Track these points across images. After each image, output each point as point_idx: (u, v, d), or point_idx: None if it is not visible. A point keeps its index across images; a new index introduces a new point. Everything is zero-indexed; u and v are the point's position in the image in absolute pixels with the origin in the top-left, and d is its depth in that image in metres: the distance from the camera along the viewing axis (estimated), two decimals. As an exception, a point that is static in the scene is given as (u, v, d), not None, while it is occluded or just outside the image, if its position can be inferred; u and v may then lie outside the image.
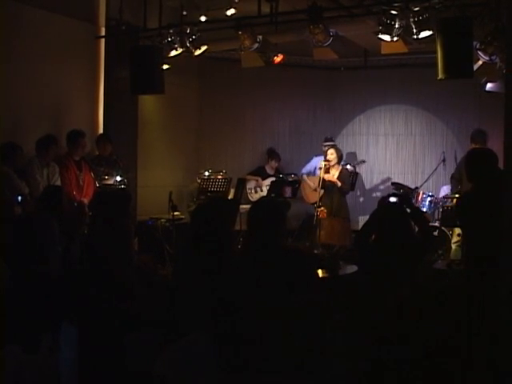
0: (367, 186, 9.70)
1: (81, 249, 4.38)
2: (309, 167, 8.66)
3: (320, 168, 7.49)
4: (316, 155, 8.71)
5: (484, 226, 3.98)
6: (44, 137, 6.42)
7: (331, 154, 7.52)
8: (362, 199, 9.66)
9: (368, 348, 3.19)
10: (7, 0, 6.29)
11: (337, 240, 7.19)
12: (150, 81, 7.10)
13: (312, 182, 8.36)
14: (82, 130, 6.80)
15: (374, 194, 9.59)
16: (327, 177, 7.43)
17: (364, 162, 9.22)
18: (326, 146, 8.39)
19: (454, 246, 7.12)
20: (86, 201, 6.60)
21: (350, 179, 8.08)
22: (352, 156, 9.60)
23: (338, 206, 7.43)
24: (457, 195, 6.99)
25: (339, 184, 7.41)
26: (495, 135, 8.80)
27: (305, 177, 8.53)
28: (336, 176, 7.48)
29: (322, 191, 7.67)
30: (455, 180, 7.60)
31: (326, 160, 7.49)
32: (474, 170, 4.45)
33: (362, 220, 8.98)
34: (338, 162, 7.58)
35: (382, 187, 9.57)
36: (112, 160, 7.16)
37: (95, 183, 6.84)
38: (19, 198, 5.66)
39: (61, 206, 4.78)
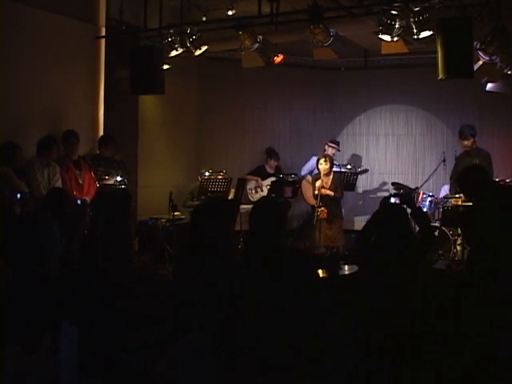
0: (367, 186, 9.70)
1: (81, 249, 4.38)
2: (309, 167, 8.66)
3: (316, 179, 7.48)
4: (314, 155, 8.70)
5: (488, 241, 4.03)
6: (46, 137, 6.42)
7: (325, 164, 7.43)
8: (361, 199, 9.66)
9: (368, 348, 3.19)
10: (7, 0, 6.29)
11: (332, 242, 7.26)
12: (150, 81, 7.10)
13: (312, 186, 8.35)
14: (74, 130, 6.79)
15: (374, 194, 9.59)
16: (323, 191, 7.39)
17: (367, 170, 9.18)
18: (330, 146, 8.45)
19: (458, 248, 7.10)
20: (88, 199, 6.61)
21: (343, 182, 8.00)
22: (354, 159, 9.60)
23: (334, 213, 7.43)
24: (456, 195, 6.98)
25: (332, 194, 7.39)
26: (495, 135, 8.82)
27: (309, 177, 8.49)
28: (329, 184, 7.44)
29: (322, 191, 7.67)
30: (454, 180, 7.61)
31: (319, 169, 7.47)
32: (470, 189, 4.49)
33: (362, 220, 9.00)
34: (330, 170, 7.51)
35: (381, 187, 9.57)
36: (113, 161, 7.17)
37: (95, 183, 6.84)
38: (18, 195, 5.65)
39: (63, 209, 4.78)
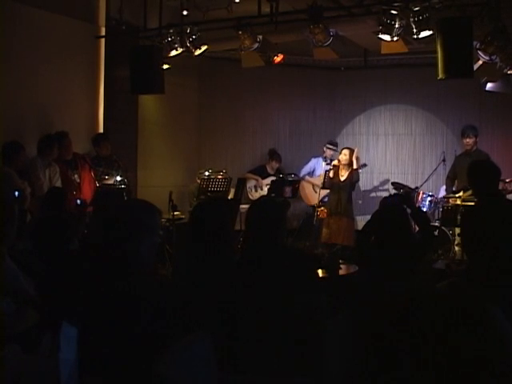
0: (367, 186, 9.70)
1: (80, 248, 4.38)
2: (308, 168, 8.72)
3: (330, 169, 7.43)
4: (314, 156, 8.75)
5: (490, 243, 4.00)
6: (46, 136, 6.40)
7: (344, 155, 7.41)
8: (361, 199, 9.65)
9: (368, 348, 3.19)
10: (7, 0, 6.29)
11: (341, 239, 7.20)
12: (150, 81, 7.10)
13: (317, 182, 8.45)
14: (65, 131, 6.67)
15: (374, 194, 9.59)
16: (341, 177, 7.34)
17: (365, 165, 9.18)
18: (328, 148, 8.48)
19: (457, 248, 7.09)
20: (87, 199, 6.60)
21: (355, 181, 7.95)
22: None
23: (345, 205, 7.37)
24: (457, 195, 6.97)
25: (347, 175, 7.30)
26: (495, 135, 8.82)
27: (307, 177, 8.57)
28: (345, 177, 7.40)
29: (322, 192, 7.68)
30: (450, 180, 7.62)
31: (338, 160, 7.44)
32: (479, 185, 4.43)
33: (362, 220, 8.99)
34: (350, 164, 7.42)
35: (381, 187, 9.57)
36: (111, 160, 7.16)
37: (95, 182, 6.83)
38: (16, 193, 5.63)
39: (62, 208, 4.79)
